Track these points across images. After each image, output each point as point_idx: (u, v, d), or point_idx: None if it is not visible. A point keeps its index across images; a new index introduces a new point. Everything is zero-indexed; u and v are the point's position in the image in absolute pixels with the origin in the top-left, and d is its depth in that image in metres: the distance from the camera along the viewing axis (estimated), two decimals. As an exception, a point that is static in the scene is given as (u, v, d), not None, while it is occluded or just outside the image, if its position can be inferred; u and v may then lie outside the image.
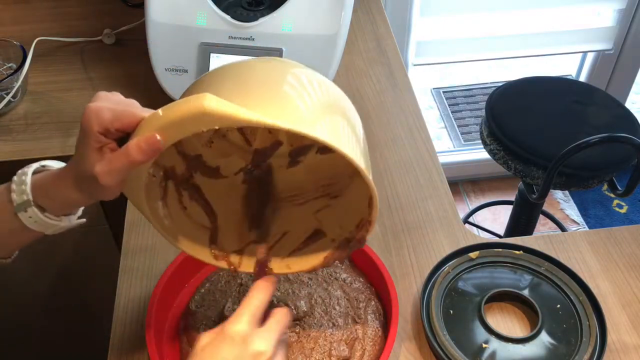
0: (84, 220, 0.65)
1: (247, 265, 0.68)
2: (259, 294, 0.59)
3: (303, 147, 0.68)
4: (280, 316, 0.59)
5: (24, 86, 1.11)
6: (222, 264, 0.68)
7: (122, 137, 0.55)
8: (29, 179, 0.60)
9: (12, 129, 1.07)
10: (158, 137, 0.52)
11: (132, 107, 0.55)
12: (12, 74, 1.07)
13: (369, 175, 0.56)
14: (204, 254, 0.67)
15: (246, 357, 0.55)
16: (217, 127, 0.51)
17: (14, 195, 0.59)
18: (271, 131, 0.67)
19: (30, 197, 0.59)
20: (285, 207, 0.70)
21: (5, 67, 1.14)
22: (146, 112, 0.55)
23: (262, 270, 0.67)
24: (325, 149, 0.65)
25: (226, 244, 0.69)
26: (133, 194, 0.60)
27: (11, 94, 1.06)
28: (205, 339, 0.56)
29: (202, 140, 0.66)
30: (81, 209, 0.65)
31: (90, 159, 0.55)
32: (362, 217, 0.63)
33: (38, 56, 1.17)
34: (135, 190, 0.59)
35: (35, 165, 0.62)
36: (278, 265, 0.67)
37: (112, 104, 0.55)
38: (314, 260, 0.67)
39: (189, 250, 0.67)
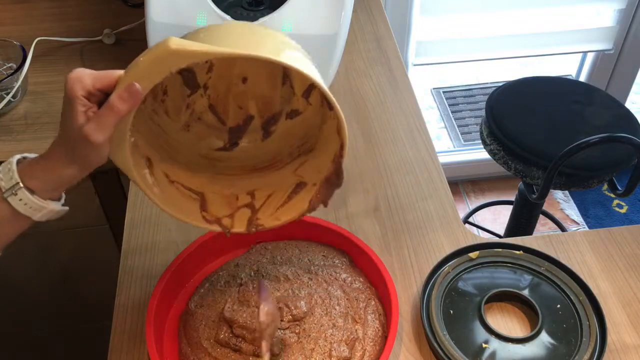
0: (66, 208, 0.66)
1: (239, 225, 0.71)
2: None
3: (272, 116, 0.73)
4: None
5: (24, 86, 1.11)
6: (215, 227, 0.71)
7: (103, 100, 0.59)
8: (14, 165, 0.62)
9: (12, 129, 1.07)
10: (136, 84, 0.57)
11: (110, 71, 0.60)
12: (12, 74, 1.07)
13: (327, 91, 0.62)
14: (196, 219, 0.70)
15: None
16: (183, 66, 0.57)
17: (1, 183, 0.61)
18: (242, 107, 0.73)
19: (19, 180, 0.61)
20: (267, 174, 0.74)
21: (5, 67, 1.14)
22: (123, 72, 0.59)
23: (251, 225, 0.71)
24: (293, 113, 0.72)
25: (216, 211, 0.72)
26: (120, 160, 0.63)
27: (11, 94, 1.06)
28: None
29: (179, 125, 0.71)
30: (63, 197, 0.67)
31: (78, 123, 0.58)
32: (335, 152, 0.67)
33: (38, 56, 1.17)
34: (122, 157, 0.63)
35: (17, 156, 0.64)
36: (268, 220, 0.71)
37: (91, 71, 0.60)
38: (300, 206, 0.71)
39: (181, 216, 0.69)
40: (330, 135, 0.67)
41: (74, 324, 1.34)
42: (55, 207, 0.64)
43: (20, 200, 0.61)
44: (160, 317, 0.77)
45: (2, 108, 1.06)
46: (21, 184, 0.61)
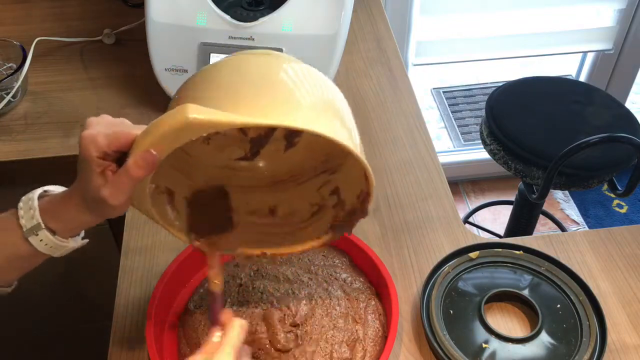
0: (87, 240, 0.67)
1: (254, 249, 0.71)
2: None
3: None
4: (235, 333, 0.60)
5: (24, 86, 1.11)
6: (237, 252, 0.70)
7: (120, 156, 0.58)
8: (36, 203, 0.61)
9: (12, 129, 1.07)
10: (153, 152, 0.55)
11: (124, 127, 0.58)
12: (12, 74, 1.07)
13: (361, 156, 0.59)
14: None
15: None
16: (204, 135, 0.53)
17: (22, 221, 0.61)
18: None
19: (40, 221, 0.61)
20: (289, 187, 0.72)
21: (5, 67, 1.14)
22: (138, 129, 0.57)
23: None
24: None
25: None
26: (141, 205, 0.62)
27: (11, 94, 1.06)
28: None
29: (199, 140, 0.67)
30: (83, 231, 0.67)
31: (95, 184, 0.57)
32: (361, 188, 0.65)
33: (38, 56, 1.17)
34: (142, 202, 0.61)
35: (39, 191, 0.63)
36: (289, 245, 0.70)
37: (105, 128, 0.58)
38: (322, 235, 0.69)
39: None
40: (357, 172, 0.63)
41: (74, 324, 1.34)
42: (74, 245, 0.65)
43: (41, 240, 0.61)
44: (160, 317, 0.77)
45: (2, 108, 1.06)
46: (42, 225, 0.61)
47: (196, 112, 0.52)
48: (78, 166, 0.59)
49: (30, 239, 0.61)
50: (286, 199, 0.72)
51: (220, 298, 0.65)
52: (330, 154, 0.70)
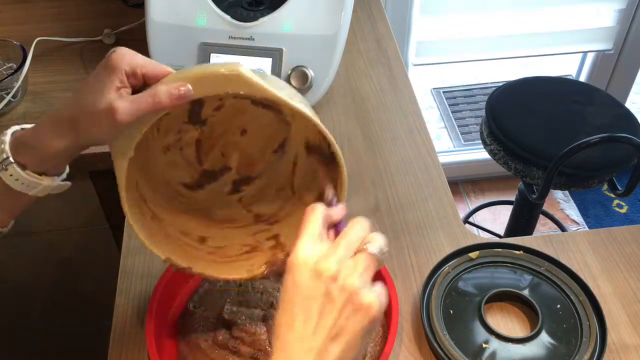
0: (69, 183, 0.63)
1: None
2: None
3: (248, 177, 0.72)
4: (358, 229, 0.53)
5: (24, 86, 1.11)
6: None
7: (138, 90, 0.57)
8: (8, 137, 0.59)
9: (12, 129, 1.07)
10: (190, 87, 0.55)
11: (159, 63, 0.58)
12: (12, 74, 1.07)
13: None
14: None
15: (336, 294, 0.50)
16: (241, 92, 0.55)
17: None
18: (224, 155, 0.71)
19: (9, 155, 0.58)
20: (223, 226, 0.72)
21: (5, 67, 1.14)
22: (172, 71, 0.57)
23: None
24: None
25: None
26: (117, 166, 0.60)
27: (11, 94, 1.06)
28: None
29: (161, 144, 0.68)
30: (66, 171, 0.64)
31: (108, 95, 0.55)
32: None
33: (38, 56, 1.17)
34: (119, 165, 0.60)
35: (14, 127, 0.61)
36: (215, 271, 0.69)
37: (140, 55, 0.58)
38: (254, 270, 0.68)
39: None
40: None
41: (74, 323, 1.34)
42: (50, 183, 0.61)
43: (11, 175, 0.58)
44: (160, 317, 0.77)
45: (2, 108, 1.06)
46: (11, 159, 0.58)
47: (249, 71, 0.55)
48: (91, 78, 0.56)
49: (0, 174, 0.58)
50: (218, 233, 0.71)
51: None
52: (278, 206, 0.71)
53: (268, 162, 0.72)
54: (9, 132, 0.60)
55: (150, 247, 0.65)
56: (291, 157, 0.70)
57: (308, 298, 0.50)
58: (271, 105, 0.66)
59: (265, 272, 0.67)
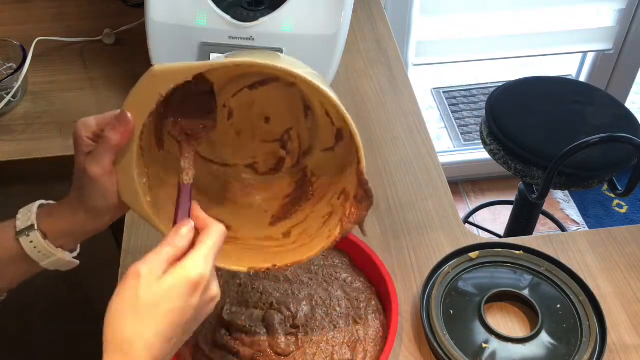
0: (77, 262, 0.66)
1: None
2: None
3: (304, 151, 0.72)
4: (215, 234, 0.56)
5: (24, 86, 1.11)
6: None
7: None
8: (35, 207, 0.62)
9: (12, 129, 1.07)
10: (126, 112, 0.57)
11: (114, 111, 0.60)
12: (12, 74, 1.07)
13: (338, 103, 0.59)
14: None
15: (180, 286, 0.52)
16: (172, 86, 0.57)
17: (18, 222, 0.61)
18: (267, 141, 0.72)
19: (35, 222, 0.61)
20: (305, 208, 0.72)
21: (5, 67, 1.14)
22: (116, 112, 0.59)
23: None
24: (325, 149, 0.70)
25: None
26: (134, 203, 0.62)
27: (11, 94, 1.06)
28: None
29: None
30: (77, 250, 0.67)
31: (80, 160, 0.59)
32: (356, 169, 0.64)
33: (38, 56, 1.17)
34: (135, 198, 0.61)
35: (41, 201, 0.64)
36: (300, 255, 0.68)
37: (97, 115, 0.61)
38: (332, 232, 0.66)
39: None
40: (349, 152, 0.64)
41: (74, 323, 1.34)
42: (64, 257, 0.63)
43: (31, 242, 0.61)
44: (160, 317, 0.77)
45: (2, 108, 1.06)
46: (36, 226, 0.61)
47: (159, 65, 0.57)
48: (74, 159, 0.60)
49: (20, 239, 0.61)
50: (298, 219, 0.71)
51: (188, 192, 0.60)
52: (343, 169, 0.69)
53: (309, 127, 0.71)
54: (37, 203, 0.64)
55: (232, 267, 0.65)
56: (320, 113, 0.68)
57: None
58: (270, 78, 0.66)
59: (342, 229, 0.65)
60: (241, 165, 0.72)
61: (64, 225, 0.62)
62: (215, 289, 0.55)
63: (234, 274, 0.82)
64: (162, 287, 0.51)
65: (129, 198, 0.61)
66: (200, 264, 0.53)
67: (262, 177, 0.73)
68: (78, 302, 1.31)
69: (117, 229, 1.18)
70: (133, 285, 0.51)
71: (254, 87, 0.68)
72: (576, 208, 2.14)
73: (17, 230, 0.61)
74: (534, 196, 1.36)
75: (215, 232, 0.56)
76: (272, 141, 0.72)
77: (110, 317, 0.51)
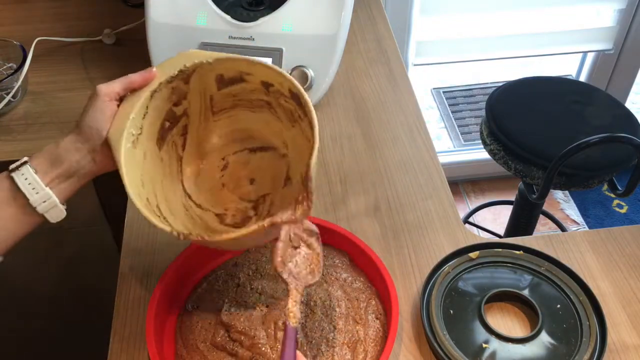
0: (65, 213, 0.69)
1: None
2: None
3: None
4: None
5: (24, 86, 1.11)
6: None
7: None
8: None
9: (12, 129, 1.07)
10: (154, 68, 0.70)
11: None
12: (12, 74, 1.07)
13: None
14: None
15: None
16: (196, 61, 0.71)
17: (13, 165, 0.66)
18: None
19: (28, 159, 0.66)
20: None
21: (5, 67, 1.14)
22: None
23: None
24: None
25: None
26: (114, 140, 0.67)
27: (11, 94, 1.06)
28: None
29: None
30: (64, 208, 0.69)
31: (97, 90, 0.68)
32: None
33: (38, 56, 1.17)
34: (117, 135, 0.67)
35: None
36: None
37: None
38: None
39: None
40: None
41: (74, 323, 1.34)
42: (53, 196, 0.66)
43: (22, 175, 0.65)
44: (160, 317, 0.77)
45: (2, 108, 1.06)
46: (28, 162, 0.65)
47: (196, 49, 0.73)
48: (85, 109, 0.67)
49: (13, 175, 0.65)
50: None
51: (294, 336, 0.61)
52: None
53: (281, 196, 0.76)
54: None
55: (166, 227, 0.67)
56: (297, 183, 0.74)
57: None
58: (267, 147, 0.77)
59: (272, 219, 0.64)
60: (211, 212, 0.77)
61: (53, 155, 0.66)
62: None
63: (232, 274, 0.82)
64: None
65: (114, 135, 0.67)
66: None
67: (225, 226, 0.77)
68: (78, 301, 1.31)
69: (117, 229, 1.18)
70: None
71: (254, 150, 0.79)
72: (576, 208, 2.14)
73: (10, 168, 0.65)
74: (534, 196, 1.36)
75: None
76: (248, 201, 0.77)
77: None
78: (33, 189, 0.65)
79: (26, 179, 0.64)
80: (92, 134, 0.66)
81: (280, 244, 0.63)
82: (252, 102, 0.76)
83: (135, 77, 0.68)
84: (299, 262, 0.65)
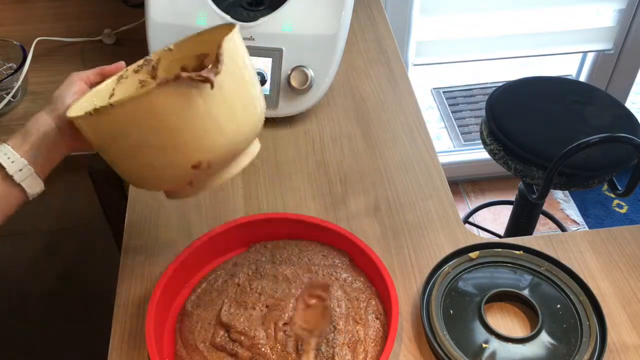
0: (43, 186, 0.72)
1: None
2: None
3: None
4: None
5: (24, 86, 1.11)
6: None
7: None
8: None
9: (12, 129, 1.07)
10: (123, 62, 0.77)
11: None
12: (12, 74, 1.07)
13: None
14: None
15: None
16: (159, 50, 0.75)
17: None
18: None
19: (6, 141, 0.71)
20: None
21: (5, 67, 1.14)
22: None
23: None
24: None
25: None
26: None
27: (11, 94, 1.06)
28: None
29: None
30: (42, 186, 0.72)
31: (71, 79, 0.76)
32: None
33: (38, 56, 1.17)
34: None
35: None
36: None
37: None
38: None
39: None
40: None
41: (74, 323, 1.34)
42: (27, 165, 0.70)
43: (5, 154, 0.69)
44: (160, 317, 0.77)
45: (2, 108, 1.06)
46: (5, 142, 0.70)
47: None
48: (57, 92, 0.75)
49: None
50: None
51: None
52: None
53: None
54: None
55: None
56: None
57: None
58: None
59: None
60: None
61: (23, 132, 0.71)
62: None
63: (232, 273, 0.82)
64: None
65: (75, 102, 0.71)
66: None
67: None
68: (78, 301, 1.31)
69: (117, 229, 1.18)
70: None
71: None
72: (576, 208, 2.14)
73: None
74: (534, 196, 1.36)
75: None
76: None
77: None
78: (8, 158, 0.69)
79: (3, 152, 0.69)
80: (57, 102, 0.73)
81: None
82: None
83: (106, 66, 0.76)
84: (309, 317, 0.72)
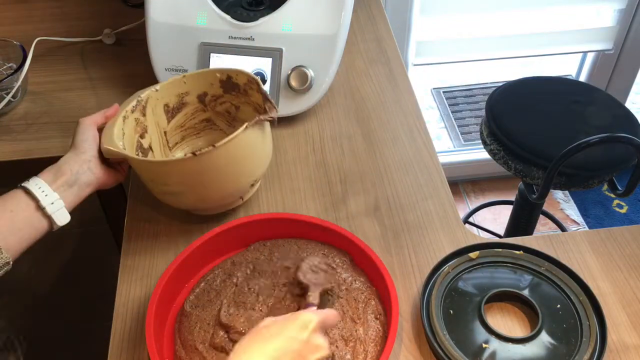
0: (69, 217, 0.79)
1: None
2: None
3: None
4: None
5: (24, 86, 1.11)
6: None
7: None
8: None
9: (12, 129, 1.07)
10: (117, 104, 0.88)
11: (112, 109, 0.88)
12: (12, 74, 1.07)
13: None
14: None
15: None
16: (147, 91, 0.90)
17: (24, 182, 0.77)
18: None
19: (38, 175, 0.78)
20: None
21: (5, 67, 1.14)
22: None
23: None
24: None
25: None
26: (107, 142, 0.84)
27: (11, 94, 1.06)
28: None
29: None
30: (68, 218, 0.79)
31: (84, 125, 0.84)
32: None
33: (38, 56, 1.17)
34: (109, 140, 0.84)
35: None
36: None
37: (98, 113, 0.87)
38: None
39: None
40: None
41: (74, 324, 1.34)
42: (59, 199, 0.76)
43: (36, 184, 0.76)
44: (160, 317, 0.77)
45: (2, 108, 1.06)
46: (35, 177, 0.77)
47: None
48: (73, 135, 0.82)
49: (25, 184, 0.76)
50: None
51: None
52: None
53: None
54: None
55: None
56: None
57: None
58: None
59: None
60: None
61: (54, 171, 0.78)
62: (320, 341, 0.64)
63: (230, 273, 0.82)
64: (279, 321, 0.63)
65: (105, 139, 0.82)
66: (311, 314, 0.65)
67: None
68: (78, 301, 1.31)
69: (117, 229, 1.18)
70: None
71: None
72: (576, 208, 2.14)
73: (21, 184, 0.76)
74: (534, 196, 1.36)
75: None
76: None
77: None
78: (42, 192, 0.75)
79: (37, 185, 0.75)
80: (84, 146, 0.80)
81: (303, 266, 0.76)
82: (195, 127, 0.96)
83: (108, 109, 0.86)
84: (317, 275, 0.76)
